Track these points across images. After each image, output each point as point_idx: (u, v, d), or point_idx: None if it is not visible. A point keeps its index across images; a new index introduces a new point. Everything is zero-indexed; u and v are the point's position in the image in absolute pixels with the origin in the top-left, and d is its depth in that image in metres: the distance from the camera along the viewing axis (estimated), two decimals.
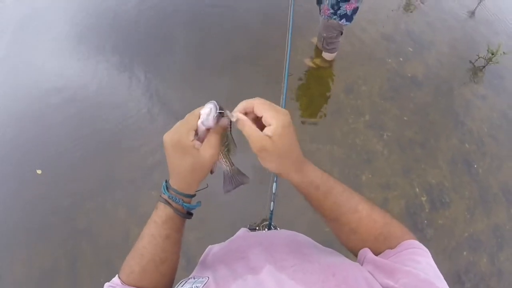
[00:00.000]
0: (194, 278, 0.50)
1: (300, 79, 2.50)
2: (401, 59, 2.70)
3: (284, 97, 1.36)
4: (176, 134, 0.44)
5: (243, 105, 0.44)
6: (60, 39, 2.96)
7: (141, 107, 2.47)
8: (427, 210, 2.25)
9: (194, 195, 0.51)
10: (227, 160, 0.50)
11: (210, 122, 0.44)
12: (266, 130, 0.42)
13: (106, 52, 2.81)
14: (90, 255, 1.91)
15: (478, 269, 2.25)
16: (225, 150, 0.50)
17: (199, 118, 0.44)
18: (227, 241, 0.70)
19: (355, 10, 2.10)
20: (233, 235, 0.76)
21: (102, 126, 2.39)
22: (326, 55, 2.47)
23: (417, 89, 2.60)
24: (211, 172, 0.50)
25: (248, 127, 0.42)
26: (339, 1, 2.01)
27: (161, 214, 0.49)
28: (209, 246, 0.72)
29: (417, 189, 2.27)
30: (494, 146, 2.79)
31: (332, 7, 2.06)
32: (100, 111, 2.46)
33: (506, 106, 3.14)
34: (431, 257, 0.45)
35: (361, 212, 0.49)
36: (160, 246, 0.50)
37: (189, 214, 0.52)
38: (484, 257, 2.30)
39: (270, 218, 1.29)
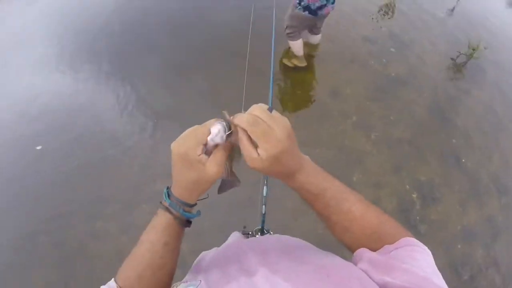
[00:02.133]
0: (186, 282, 0.51)
1: (286, 84, 2.55)
2: (384, 60, 2.78)
3: (270, 102, 1.38)
4: (184, 147, 0.45)
5: (237, 120, 0.44)
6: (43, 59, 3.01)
7: (127, 119, 2.51)
8: (418, 207, 2.29)
9: (195, 204, 0.53)
10: (228, 167, 0.51)
11: (219, 141, 0.45)
12: (259, 152, 0.43)
13: (89, 66, 2.87)
14: (83, 274, 1.90)
15: (474, 261, 2.28)
16: (229, 159, 0.50)
17: (208, 133, 0.45)
18: (220, 247, 0.71)
19: (320, 7, 2.21)
20: (226, 240, 0.77)
21: (90, 141, 2.41)
22: (290, 43, 2.56)
23: (402, 88, 2.67)
24: None
25: (243, 146, 0.44)
26: None
27: (160, 221, 0.51)
28: (202, 253, 0.73)
29: (408, 186, 2.31)
30: (481, 139, 2.85)
31: None
32: (89, 125, 2.49)
33: (490, 99, 3.22)
34: (430, 255, 0.46)
35: (354, 212, 0.50)
36: (159, 252, 0.51)
37: (188, 223, 0.54)
38: (479, 249, 2.34)
39: (263, 222, 1.29)
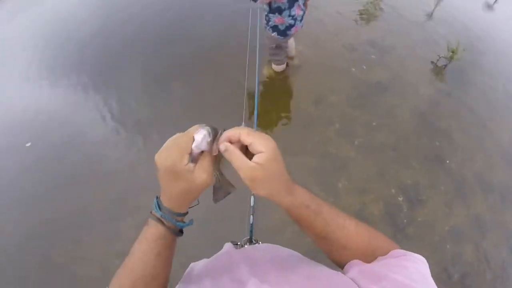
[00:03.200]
0: None
1: (268, 94, 2.59)
2: (364, 67, 2.85)
3: (256, 112, 1.41)
4: (170, 158, 0.44)
5: (227, 134, 0.44)
6: (22, 69, 3.02)
7: (108, 130, 2.52)
8: (405, 210, 2.33)
9: (186, 213, 0.53)
10: (217, 173, 0.51)
11: (204, 147, 0.44)
12: (256, 158, 0.42)
13: (70, 77, 2.89)
14: None
15: (464, 260, 2.32)
16: (217, 164, 0.50)
17: (192, 140, 0.44)
18: (212, 257, 0.71)
19: (288, 27, 2.18)
20: (214, 253, 0.78)
21: (71, 155, 2.42)
22: (273, 67, 2.59)
23: (384, 94, 2.74)
24: None
25: (236, 158, 0.43)
26: (267, 14, 2.14)
27: (152, 231, 0.50)
28: (191, 264, 0.73)
29: (393, 190, 2.35)
30: (464, 140, 2.92)
31: (265, 17, 2.19)
32: (68, 139, 2.50)
33: (471, 100, 3.31)
34: (422, 263, 0.46)
35: (348, 228, 0.51)
36: (151, 263, 0.51)
37: (180, 232, 0.54)
38: (468, 247, 2.38)
39: (251, 232, 1.32)
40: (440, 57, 3.37)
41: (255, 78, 1.42)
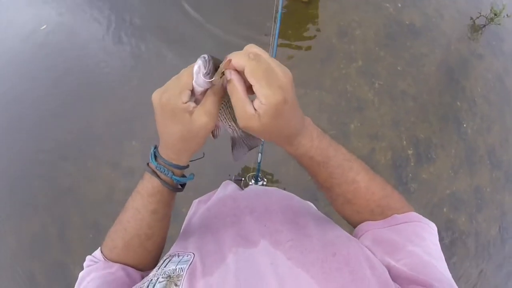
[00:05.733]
0: (178, 256, 0.46)
1: (290, 17, 2.41)
2: (399, 4, 2.64)
3: (275, 42, 1.30)
4: (166, 94, 0.38)
5: (234, 60, 0.35)
6: None
7: (115, 49, 2.38)
8: (412, 164, 2.33)
9: (187, 166, 0.46)
10: (233, 123, 0.43)
11: (201, 82, 0.36)
12: (256, 104, 0.35)
13: None
14: (77, 216, 1.94)
15: (456, 227, 2.39)
16: (229, 111, 0.42)
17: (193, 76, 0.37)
18: (214, 197, 0.67)
19: None
20: (218, 187, 0.74)
21: (75, 74, 2.32)
22: None
23: (414, 39, 2.59)
24: (214, 137, 0.45)
25: (237, 97, 0.36)
26: None
27: (147, 185, 0.45)
28: (194, 202, 0.70)
29: (405, 142, 2.32)
30: (485, 107, 2.85)
31: None
32: (73, 58, 2.38)
33: (502, 69, 3.18)
34: (435, 234, 0.46)
35: (359, 183, 0.47)
36: (146, 221, 0.46)
37: (180, 186, 0.48)
38: (463, 216, 2.45)
39: (258, 170, 1.34)
40: (480, 15, 3.16)
41: None
